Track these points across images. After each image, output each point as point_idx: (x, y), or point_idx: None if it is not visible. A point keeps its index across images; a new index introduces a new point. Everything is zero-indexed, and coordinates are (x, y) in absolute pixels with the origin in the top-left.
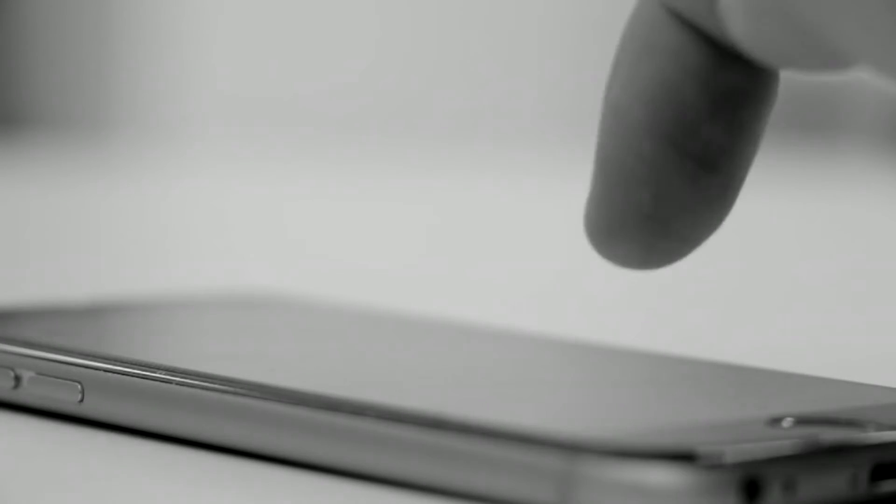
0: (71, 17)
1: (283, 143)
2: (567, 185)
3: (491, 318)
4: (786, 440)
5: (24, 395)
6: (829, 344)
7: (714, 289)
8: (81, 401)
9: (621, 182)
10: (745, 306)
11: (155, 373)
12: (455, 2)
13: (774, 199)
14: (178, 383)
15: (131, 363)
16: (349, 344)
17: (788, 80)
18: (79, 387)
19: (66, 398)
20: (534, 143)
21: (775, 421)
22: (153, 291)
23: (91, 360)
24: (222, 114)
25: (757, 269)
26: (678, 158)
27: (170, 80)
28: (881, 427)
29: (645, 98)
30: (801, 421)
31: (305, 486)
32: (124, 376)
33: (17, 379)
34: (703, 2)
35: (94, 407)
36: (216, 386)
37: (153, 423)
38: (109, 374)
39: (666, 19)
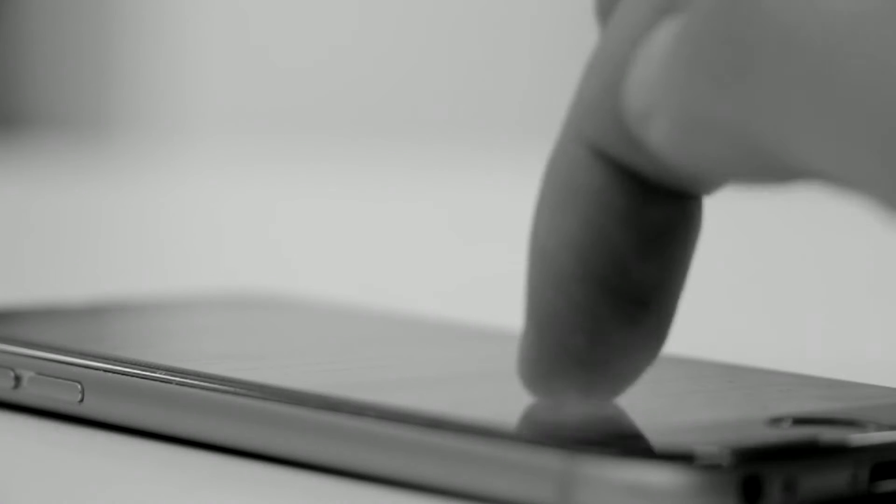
0: (71, 17)
1: (282, 144)
2: None
3: (490, 318)
4: (786, 440)
5: (24, 395)
6: (829, 344)
7: (714, 289)
8: (81, 401)
9: (554, 328)
10: (745, 306)
11: (155, 373)
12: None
13: (775, 199)
14: (177, 383)
15: (131, 363)
16: (348, 344)
17: None
18: (79, 387)
19: (66, 398)
20: (534, 144)
21: (775, 421)
22: (153, 291)
23: (91, 360)
24: (222, 114)
25: (757, 268)
26: (610, 301)
27: (170, 81)
28: (881, 427)
29: (572, 243)
30: (801, 421)
31: (305, 486)
32: (124, 376)
33: (17, 379)
34: (619, 128)
35: (94, 407)
36: (216, 386)
37: (153, 423)
38: (109, 374)
39: (586, 158)
